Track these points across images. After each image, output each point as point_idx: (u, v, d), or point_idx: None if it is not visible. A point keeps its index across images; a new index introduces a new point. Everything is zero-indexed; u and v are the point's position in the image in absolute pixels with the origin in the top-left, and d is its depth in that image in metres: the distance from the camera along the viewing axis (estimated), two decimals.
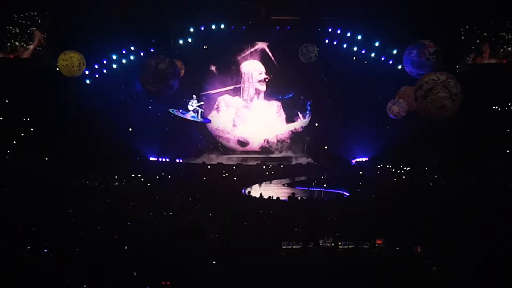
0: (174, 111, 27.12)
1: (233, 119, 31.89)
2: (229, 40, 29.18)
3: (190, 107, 28.47)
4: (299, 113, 31.81)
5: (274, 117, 32.07)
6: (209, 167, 29.41)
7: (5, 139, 24.16)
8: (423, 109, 10.84)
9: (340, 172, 28.28)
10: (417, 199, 18.94)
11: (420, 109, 10.97)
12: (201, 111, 28.65)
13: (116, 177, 23.70)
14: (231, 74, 31.54)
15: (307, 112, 31.66)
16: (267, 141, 32.00)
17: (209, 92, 31.50)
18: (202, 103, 28.43)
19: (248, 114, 32.01)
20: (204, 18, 27.41)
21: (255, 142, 32.23)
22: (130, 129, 28.38)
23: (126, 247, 11.96)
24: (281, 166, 29.93)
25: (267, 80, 31.39)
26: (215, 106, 31.82)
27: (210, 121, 30.76)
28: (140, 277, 10.22)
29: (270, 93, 31.87)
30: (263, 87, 31.69)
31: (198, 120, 28.91)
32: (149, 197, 19.75)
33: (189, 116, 27.22)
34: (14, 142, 24.30)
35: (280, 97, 31.86)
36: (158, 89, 11.66)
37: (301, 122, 31.83)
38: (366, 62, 28.00)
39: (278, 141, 32.08)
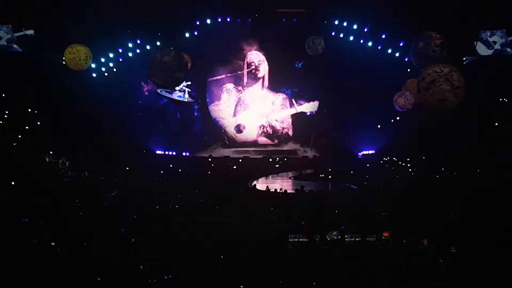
0: (162, 91, 26.99)
1: (235, 106, 32.02)
2: (235, 32, 29.13)
3: (176, 87, 28.31)
4: (293, 100, 31.93)
5: (275, 106, 32.27)
6: (209, 160, 29.62)
7: (11, 133, 24.13)
8: (424, 101, 10.78)
9: (346, 165, 28.24)
10: (423, 193, 18.96)
11: (422, 101, 10.92)
12: (188, 91, 28.45)
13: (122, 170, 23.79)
14: (235, 64, 31.68)
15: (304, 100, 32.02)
16: (263, 127, 32.14)
17: (213, 78, 31.69)
18: (189, 82, 28.14)
19: (249, 102, 32.17)
20: (210, 11, 27.39)
21: (252, 129, 32.44)
22: (140, 113, 29.28)
23: (132, 240, 11.99)
24: (285, 160, 29.96)
25: (259, 67, 31.63)
26: (220, 94, 32.22)
27: (199, 101, 30.73)
28: (146, 270, 10.25)
29: (276, 85, 31.99)
30: (260, 75, 31.89)
31: (185, 100, 28.75)
32: (156, 190, 19.85)
33: (176, 95, 27.06)
34: (20, 136, 24.27)
35: (284, 89, 32.00)
36: (164, 82, 11.62)
37: (295, 109, 31.96)
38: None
39: (275, 129, 32.25)
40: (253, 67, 31.57)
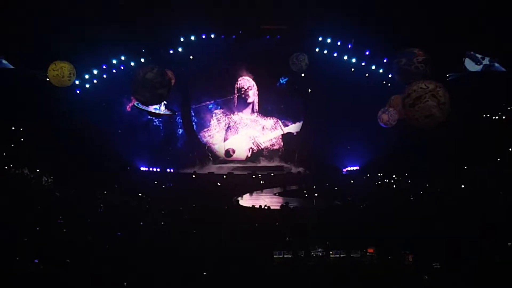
0: (139, 104, 27.01)
1: (225, 131, 32.19)
2: (219, 49, 29.10)
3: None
4: (279, 121, 32.25)
5: (265, 131, 32.81)
6: (193, 176, 29.60)
7: None
8: (411, 117, 10.85)
9: (331, 181, 28.26)
10: (407, 208, 19.02)
11: (408, 117, 10.98)
12: (164, 103, 28.43)
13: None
14: (223, 86, 31.92)
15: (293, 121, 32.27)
16: (252, 150, 32.38)
17: (203, 104, 31.94)
18: None
19: (239, 127, 32.41)
20: (194, 27, 27.45)
21: (241, 152, 32.88)
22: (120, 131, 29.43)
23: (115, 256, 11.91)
24: (271, 175, 30.02)
25: (249, 92, 31.86)
26: (209, 120, 32.49)
27: (175, 113, 30.79)
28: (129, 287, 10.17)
29: (264, 107, 32.34)
30: (250, 100, 32.15)
31: (161, 112, 28.81)
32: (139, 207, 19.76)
33: (152, 108, 27.05)
34: (4, 154, 24.14)
35: (269, 106, 32.28)
36: (146, 99, 11.61)
37: (282, 129, 32.21)
38: (353, 69, 28.31)
39: (262, 148, 32.45)
40: (243, 92, 31.84)
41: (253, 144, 32.62)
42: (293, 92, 31.61)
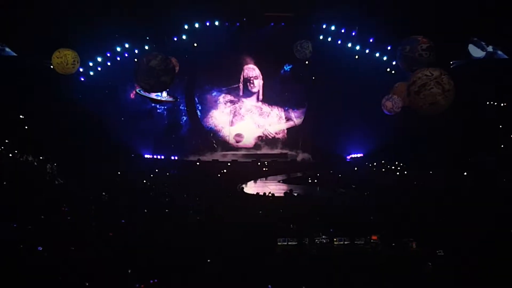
0: (141, 91, 26.95)
1: (232, 116, 32.20)
2: (223, 37, 28.99)
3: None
4: (290, 111, 32.22)
5: (271, 119, 32.68)
6: (198, 164, 29.70)
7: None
8: (415, 105, 10.82)
9: (335, 168, 28.24)
10: (411, 196, 19.03)
11: (413, 105, 10.95)
12: (167, 90, 28.36)
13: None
14: (228, 73, 31.86)
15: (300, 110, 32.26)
16: (260, 138, 32.36)
17: (206, 91, 32.00)
18: None
19: (245, 114, 32.38)
20: (198, 15, 27.35)
21: (249, 139, 32.75)
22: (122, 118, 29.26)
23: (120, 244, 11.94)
24: (274, 162, 30.03)
25: (254, 81, 31.85)
26: (216, 104, 32.43)
27: (177, 99, 30.76)
28: (133, 275, 10.20)
29: (268, 95, 32.38)
30: (255, 89, 32.16)
31: (163, 99, 28.76)
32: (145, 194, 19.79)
33: (154, 94, 27.01)
34: (7, 140, 24.14)
35: (274, 95, 32.25)
36: (150, 86, 11.61)
37: (294, 121, 32.29)
38: (357, 56, 28.19)
39: (271, 137, 32.43)
40: (248, 81, 31.80)
41: (263, 133, 32.56)
42: (297, 79, 31.48)
